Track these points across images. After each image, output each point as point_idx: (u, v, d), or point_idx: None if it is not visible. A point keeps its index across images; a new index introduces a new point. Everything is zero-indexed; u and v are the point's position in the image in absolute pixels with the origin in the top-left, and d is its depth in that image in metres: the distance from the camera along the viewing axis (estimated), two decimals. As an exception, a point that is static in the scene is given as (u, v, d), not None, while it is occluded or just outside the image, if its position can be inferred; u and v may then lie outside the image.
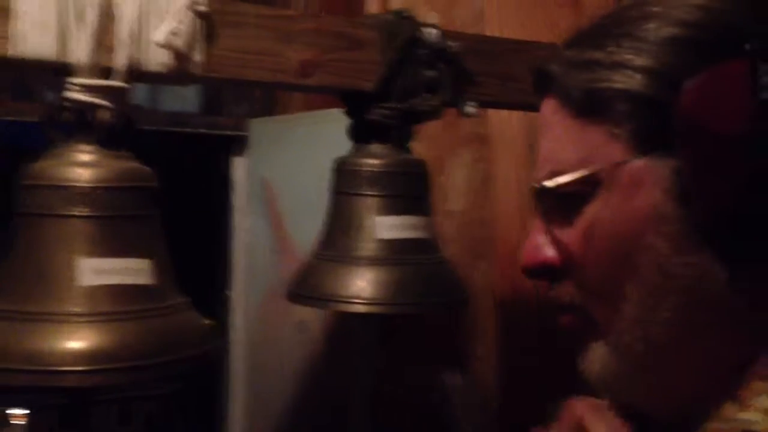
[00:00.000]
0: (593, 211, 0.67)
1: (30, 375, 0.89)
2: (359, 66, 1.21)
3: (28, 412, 1.84)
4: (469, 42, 1.27)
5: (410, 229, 1.21)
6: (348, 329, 1.62)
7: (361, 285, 1.17)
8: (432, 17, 1.26)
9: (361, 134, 1.26)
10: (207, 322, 1.03)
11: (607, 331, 0.68)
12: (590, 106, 0.67)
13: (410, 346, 1.57)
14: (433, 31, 1.24)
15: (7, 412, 1.82)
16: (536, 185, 0.70)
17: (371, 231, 1.20)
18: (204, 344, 1.01)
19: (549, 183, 0.68)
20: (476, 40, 1.33)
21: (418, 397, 1.45)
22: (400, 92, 1.22)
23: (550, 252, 0.70)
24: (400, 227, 1.21)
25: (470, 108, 1.25)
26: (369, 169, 1.23)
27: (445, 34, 1.24)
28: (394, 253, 1.20)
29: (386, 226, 1.20)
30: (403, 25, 1.23)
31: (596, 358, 0.69)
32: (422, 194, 1.26)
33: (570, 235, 0.69)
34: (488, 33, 1.62)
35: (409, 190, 1.24)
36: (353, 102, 1.26)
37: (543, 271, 0.71)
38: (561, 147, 0.69)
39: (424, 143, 1.36)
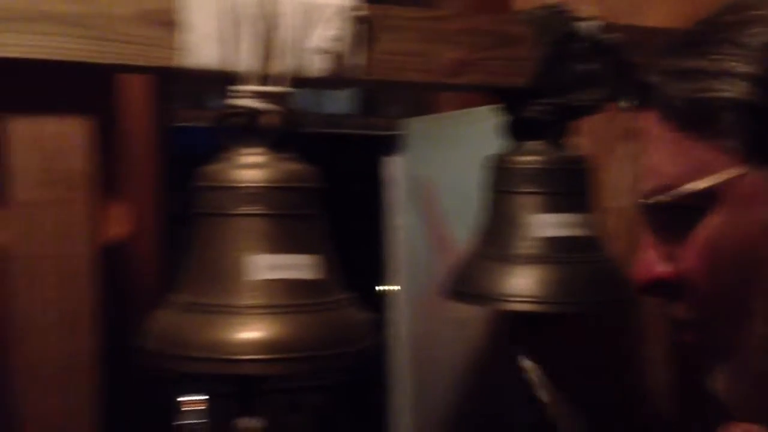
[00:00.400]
0: (711, 225, 0.65)
1: (212, 363, 0.95)
2: (512, 63, 1.20)
3: (206, 398, 1.94)
4: (627, 33, 1.24)
5: (570, 227, 1.19)
6: (508, 328, 1.61)
7: (521, 283, 1.16)
8: (587, 9, 1.24)
9: (516, 131, 1.26)
10: (370, 316, 1.07)
11: (729, 348, 0.66)
12: (696, 117, 0.65)
13: (572, 346, 1.55)
14: (589, 23, 1.21)
15: (180, 399, 1.93)
16: (645, 200, 0.68)
17: (529, 229, 1.19)
18: (369, 338, 1.05)
19: (661, 197, 0.67)
20: (634, 31, 1.29)
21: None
22: (556, 87, 1.20)
23: (663, 268, 0.69)
24: (560, 225, 1.19)
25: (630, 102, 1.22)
26: (526, 166, 1.22)
27: (602, 26, 1.22)
28: (554, 251, 1.18)
29: (545, 224, 1.19)
30: (557, 18, 1.22)
31: (721, 376, 0.67)
32: (582, 191, 1.24)
33: (685, 250, 0.67)
34: (646, 23, 1.57)
35: (568, 186, 1.22)
36: (508, 99, 1.26)
37: (657, 288, 0.70)
38: (668, 160, 0.67)
39: (584, 139, 1.33)
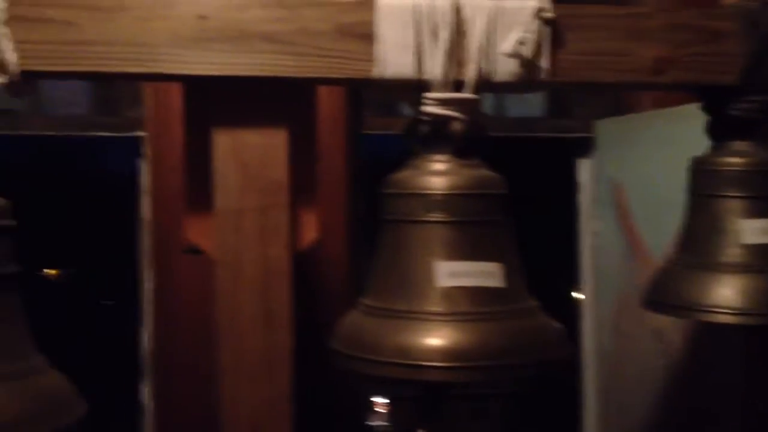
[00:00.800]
0: None
1: (399, 368, 0.96)
2: (718, 59, 1.14)
3: (388, 401, 1.99)
4: None
5: (783, 234, 1.11)
6: (712, 340, 1.52)
7: (727, 293, 1.10)
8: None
9: (721, 131, 1.19)
10: (558, 325, 1.04)
11: None
12: None
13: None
14: (804, 15, 1.12)
15: (372, 399, 1.99)
16: None
17: (737, 235, 1.12)
18: (558, 348, 1.02)
19: None
20: None
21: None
22: (766, 84, 1.12)
23: None
24: (771, 231, 1.11)
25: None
26: (733, 168, 1.15)
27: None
28: (764, 259, 1.11)
29: (754, 230, 1.12)
30: (767, 11, 1.14)
31: None
32: (795, 194, 1.15)
33: None
34: None
35: (780, 189, 1.14)
36: (712, 97, 1.19)
37: None
38: None
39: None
